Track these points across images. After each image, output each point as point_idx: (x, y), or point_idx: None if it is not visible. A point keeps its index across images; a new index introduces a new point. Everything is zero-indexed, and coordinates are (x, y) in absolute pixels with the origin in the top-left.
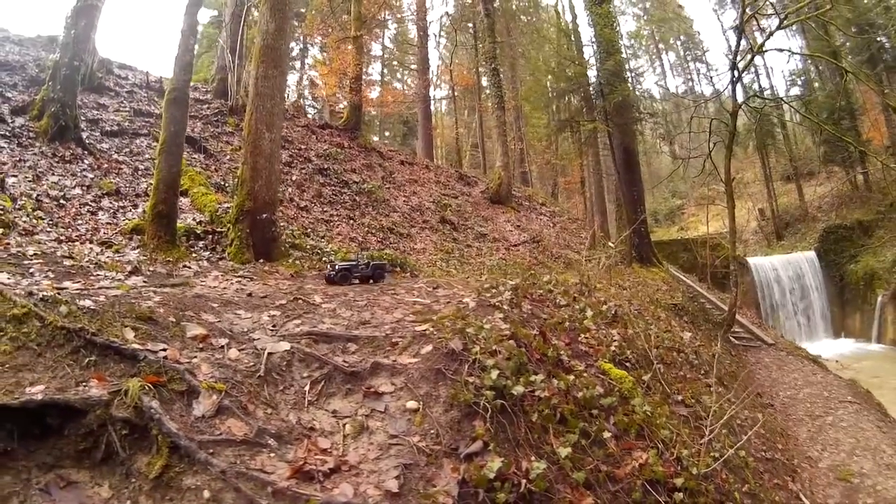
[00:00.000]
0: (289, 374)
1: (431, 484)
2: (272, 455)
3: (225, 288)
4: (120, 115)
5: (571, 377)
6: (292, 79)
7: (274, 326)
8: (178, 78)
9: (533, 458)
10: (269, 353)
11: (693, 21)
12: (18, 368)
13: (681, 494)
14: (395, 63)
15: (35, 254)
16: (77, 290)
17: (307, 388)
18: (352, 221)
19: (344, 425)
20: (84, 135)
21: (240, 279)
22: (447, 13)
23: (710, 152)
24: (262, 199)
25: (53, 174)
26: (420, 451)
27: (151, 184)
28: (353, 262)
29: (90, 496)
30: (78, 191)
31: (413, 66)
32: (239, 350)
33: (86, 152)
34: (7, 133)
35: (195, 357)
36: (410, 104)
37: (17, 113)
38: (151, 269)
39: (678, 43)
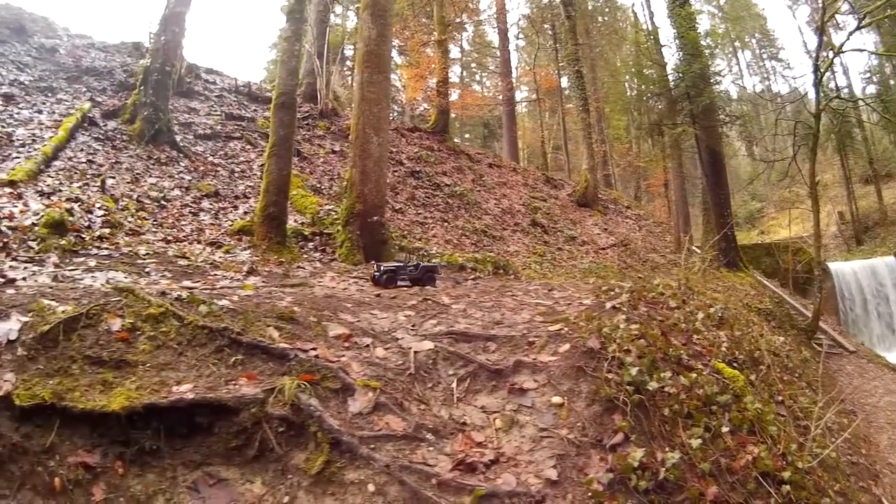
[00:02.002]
0: (435, 372)
1: (583, 473)
2: (431, 449)
3: (345, 288)
4: (212, 119)
5: (693, 375)
6: None
7: (413, 326)
8: (285, 83)
9: (666, 448)
10: (416, 352)
11: (766, 18)
12: (161, 367)
13: (787, 487)
14: (473, 65)
15: (147, 253)
16: (202, 289)
17: (454, 385)
18: (446, 224)
19: (494, 420)
20: (178, 138)
21: (356, 280)
22: (524, 15)
23: (795, 155)
24: (371, 201)
25: (151, 176)
26: (570, 443)
27: (249, 186)
28: (400, 264)
29: (241, 493)
30: (177, 192)
31: (492, 68)
32: (384, 349)
33: (181, 155)
34: (101, 136)
35: (343, 356)
36: (492, 107)
37: (109, 117)
38: (266, 269)
39: (753, 41)
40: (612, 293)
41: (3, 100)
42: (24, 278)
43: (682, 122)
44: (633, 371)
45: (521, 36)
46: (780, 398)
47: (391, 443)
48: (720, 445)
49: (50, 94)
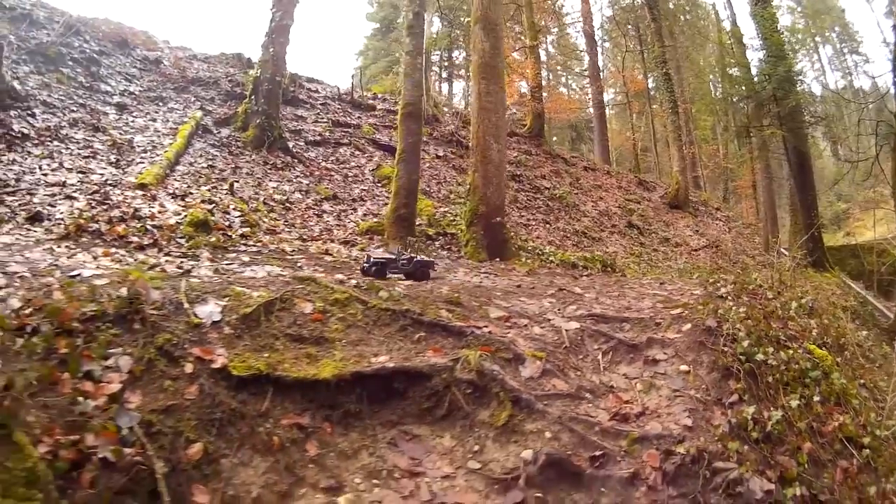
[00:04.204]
0: (583, 346)
1: (710, 423)
2: (590, 405)
3: (480, 282)
4: (320, 126)
5: (790, 352)
6: (458, 87)
7: (558, 310)
8: (411, 93)
9: (771, 408)
10: (566, 330)
11: (845, 11)
12: (355, 343)
13: (867, 451)
14: (559, 69)
15: (293, 250)
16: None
17: (599, 357)
18: (547, 225)
19: (635, 384)
20: (290, 144)
21: (486, 275)
22: (606, 17)
23: (878, 154)
24: (493, 203)
25: (271, 180)
26: (697, 401)
27: (364, 189)
28: (392, 256)
29: (434, 446)
30: (298, 195)
31: (577, 71)
32: (540, 328)
33: (295, 160)
34: (216, 143)
35: (508, 333)
36: (582, 110)
37: (221, 124)
38: None
39: (833, 35)
40: (719, 284)
41: (116, 109)
42: (188, 271)
43: (770, 123)
44: (745, 344)
45: (605, 38)
46: (861, 381)
47: (559, 400)
48: (812, 411)
49: (160, 104)
